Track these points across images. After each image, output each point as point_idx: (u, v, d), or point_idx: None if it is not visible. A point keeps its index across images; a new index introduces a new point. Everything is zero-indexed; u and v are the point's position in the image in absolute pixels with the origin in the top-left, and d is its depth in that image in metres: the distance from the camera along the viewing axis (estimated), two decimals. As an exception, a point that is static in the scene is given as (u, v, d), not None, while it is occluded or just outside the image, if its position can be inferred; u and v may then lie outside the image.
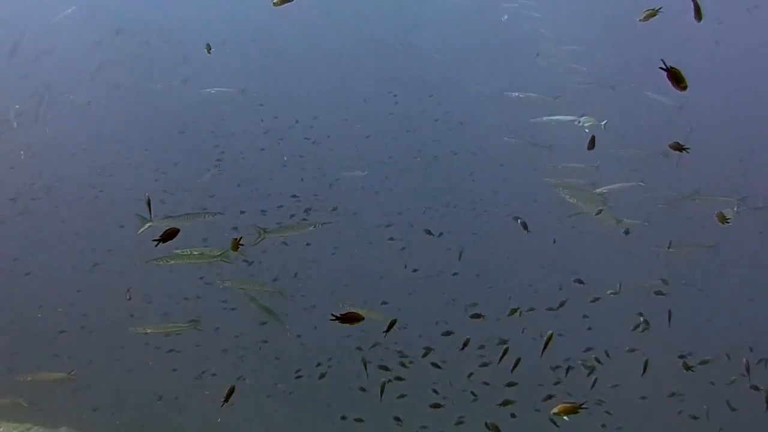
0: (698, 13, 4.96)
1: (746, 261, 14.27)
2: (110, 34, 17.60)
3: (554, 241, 11.70)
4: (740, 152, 15.47)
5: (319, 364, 11.22)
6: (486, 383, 9.99)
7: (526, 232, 9.43)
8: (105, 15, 18.64)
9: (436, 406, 8.21)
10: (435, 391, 10.09)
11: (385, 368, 9.37)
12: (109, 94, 16.93)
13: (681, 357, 9.18)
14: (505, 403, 8.67)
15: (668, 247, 10.03)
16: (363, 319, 5.00)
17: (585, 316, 10.02)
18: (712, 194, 11.33)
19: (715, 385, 10.12)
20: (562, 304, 9.22)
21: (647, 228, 10.68)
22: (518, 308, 8.80)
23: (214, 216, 8.74)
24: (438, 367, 9.19)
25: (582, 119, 10.24)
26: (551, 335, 7.14)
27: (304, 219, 11.47)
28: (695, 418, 9.91)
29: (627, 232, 9.23)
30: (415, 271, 12.90)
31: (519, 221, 9.50)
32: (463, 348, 8.63)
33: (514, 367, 7.99)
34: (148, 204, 6.94)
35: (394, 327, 8.38)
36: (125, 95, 17.25)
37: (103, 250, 13.32)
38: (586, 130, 10.53)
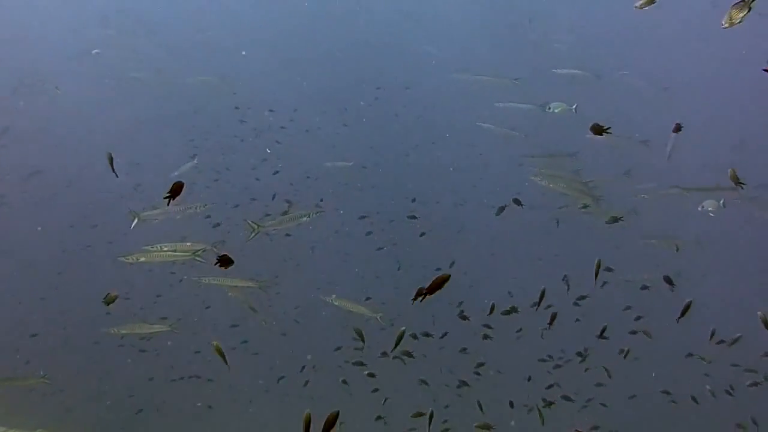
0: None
1: (735, 252, 14.17)
2: (93, 20, 17.11)
3: (557, 224, 11.56)
4: (731, 141, 15.30)
5: (303, 368, 11.01)
6: (477, 373, 9.86)
7: (520, 207, 9.33)
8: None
9: (419, 415, 7.97)
10: (425, 382, 9.89)
11: (361, 364, 9.17)
12: (87, 83, 16.37)
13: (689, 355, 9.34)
14: (548, 403, 8.54)
15: (676, 249, 9.92)
16: (450, 277, 4.25)
17: (576, 304, 9.87)
18: (701, 185, 11.14)
19: (710, 377, 10.02)
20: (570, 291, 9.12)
21: (635, 220, 10.50)
22: (515, 306, 8.61)
23: (205, 207, 8.47)
24: (411, 356, 9.02)
25: (552, 105, 9.94)
26: (599, 263, 6.93)
27: (285, 212, 11.13)
28: (696, 401, 9.82)
29: (617, 220, 9.00)
30: (399, 269, 12.69)
31: (512, 199, 9.36)
32: (496, 312, 8.38)
33: (551, 322, 7.92)
34: (110, 162, 6.71)
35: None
36: (104, 84, 16.69)
37: (77, 248, 12.94)
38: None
